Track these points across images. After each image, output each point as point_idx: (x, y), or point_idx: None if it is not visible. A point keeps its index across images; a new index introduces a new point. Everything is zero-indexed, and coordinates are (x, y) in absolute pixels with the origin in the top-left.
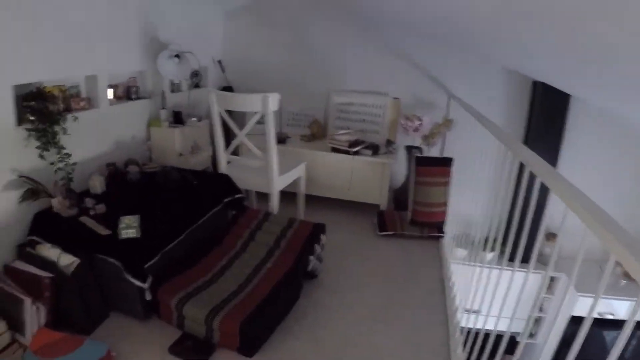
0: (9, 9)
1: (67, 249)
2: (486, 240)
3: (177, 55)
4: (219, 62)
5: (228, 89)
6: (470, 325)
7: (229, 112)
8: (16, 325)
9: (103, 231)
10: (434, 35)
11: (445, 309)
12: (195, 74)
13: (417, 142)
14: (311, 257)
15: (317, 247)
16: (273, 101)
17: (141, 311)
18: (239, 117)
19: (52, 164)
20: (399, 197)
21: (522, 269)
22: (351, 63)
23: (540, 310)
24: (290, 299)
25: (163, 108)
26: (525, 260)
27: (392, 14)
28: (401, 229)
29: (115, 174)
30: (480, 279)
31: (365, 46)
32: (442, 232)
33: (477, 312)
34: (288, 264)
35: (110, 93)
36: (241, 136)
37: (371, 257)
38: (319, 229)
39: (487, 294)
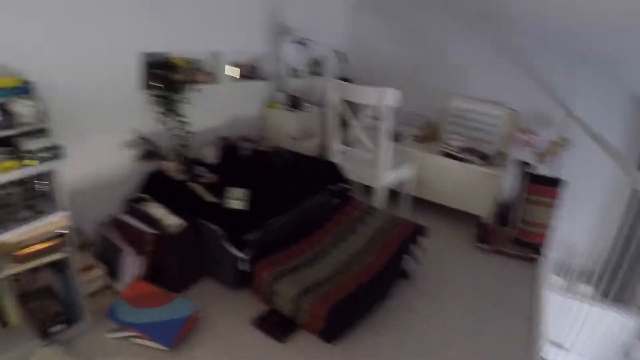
0: None
1: (173, 210)
2: (585, 272)
3: (300, 42)
4: (341, 53)
5: (347, 80)
6: (552, 358)
7: (346, 103)
8: (114, 273)
9: (210, 199)
10: (565, 49)
11: (531, 335)
12: (316, 62)
13: (530, 158)
14: (407, 257)
15: (415, 248)
16: (390, 96)
17: (233, 280)
18: (355, 109)
19: (170, 129)
20: (502, 211)
21: (617, 311)
22: (473, 68)
23: (627, 356)
24: (380, 294)
25: (281, 91)
26: (622, 300)
27: (532, 25)
28: (500, 245)
29: (228, 148)
30: (571, 312)
31: (489, 53)
32: (541, 255)
33: (561, 346)
34: (384, 260)
35: (234, 71)
36: (355, 127)
37: (465, 268)
38: (420, 230)
39: (575, 329)
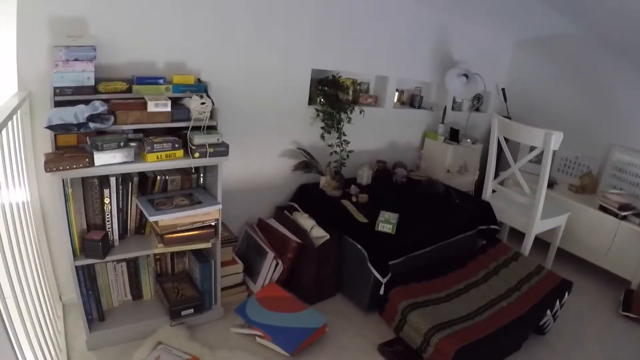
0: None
1: (320, 223)
2: None
3: (465, 75)
4: (503, 90)
5: (506, 117)
6: None
7: (506, 142)
8: (251, 272)
9: (362, 219)
10: None
11: None
12: (478, 97)
13: None
14: (548, 312)
15: (558, 304)
16: (556, 140)
17: (367, 302)
18: (512, 149)
19: (330, 145)
20: None
21: None
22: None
23: None
24: (511, 345)
25: (442, 122)
26: None
27: None
28: None
29: (382, 172)
30: None
31: None
32: None
33: None
34: (522, 310)
35: (397, 97)
36: (515, 168)
37: (605, 335)
38: (566, 285)
39: None
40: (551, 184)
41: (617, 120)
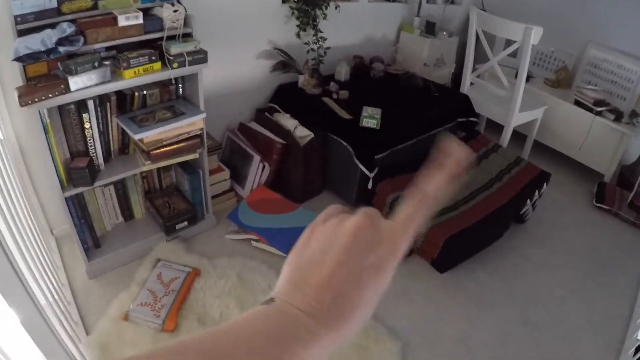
0: None
1: (302, 122)
2: None
3: None
4: None
5: (483, 12)
6: None
7: (484, 35)
8: (238, 177)
9: (345, 115)
10: None
11: (632, 310)
12: None
13: None
14: (528, 201)
15: (537, 194)
16: (535, 35)
17: (355, 197)
18: (489, 42)
19: (306, 43)
20: (625, 174)
21: None
22: (619, 16)
23: None
24: (495, 233)
25: (417, 16)
26: None
27: None
28: (618, 208)
29: (360, 67)
30: None
31: None
32: None
33: None
34: (504, 199)
35: None
36: (493, 61)
37: (580, 225)
38: (544, 176)
39: None
40: (527, 78)
41: (594, 17)
